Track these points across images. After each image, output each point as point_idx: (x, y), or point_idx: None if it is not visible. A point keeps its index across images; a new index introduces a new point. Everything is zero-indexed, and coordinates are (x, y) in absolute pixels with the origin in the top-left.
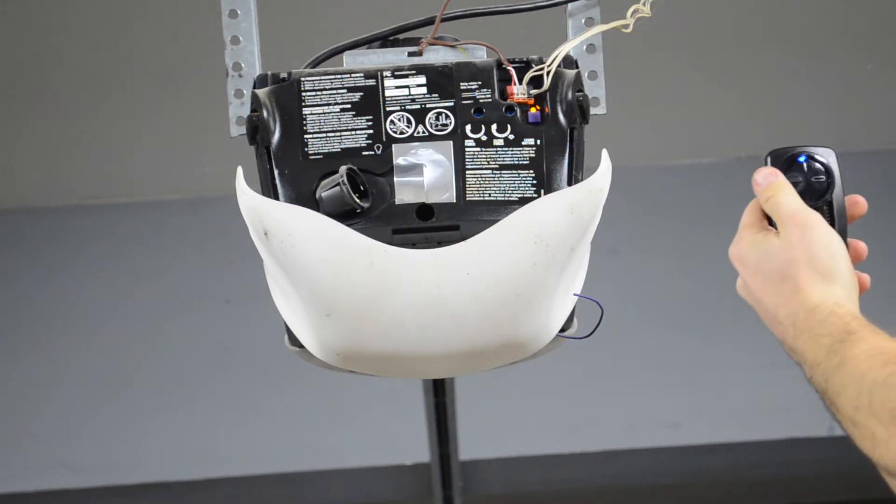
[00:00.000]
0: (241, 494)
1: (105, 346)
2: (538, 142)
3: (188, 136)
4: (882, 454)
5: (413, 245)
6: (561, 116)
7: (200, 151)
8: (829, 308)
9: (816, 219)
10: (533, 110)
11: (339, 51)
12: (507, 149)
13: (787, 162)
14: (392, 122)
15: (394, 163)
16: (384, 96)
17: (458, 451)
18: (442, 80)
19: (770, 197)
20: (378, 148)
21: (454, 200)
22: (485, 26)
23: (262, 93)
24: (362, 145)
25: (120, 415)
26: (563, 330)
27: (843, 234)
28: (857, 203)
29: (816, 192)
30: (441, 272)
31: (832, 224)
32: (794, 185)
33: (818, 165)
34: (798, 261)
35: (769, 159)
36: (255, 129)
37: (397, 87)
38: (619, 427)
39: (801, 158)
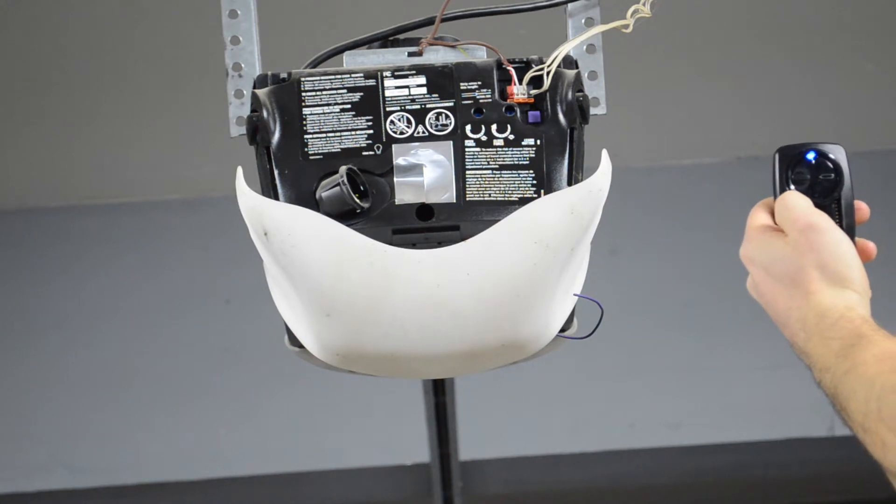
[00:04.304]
0: (241, 494)
1: (105, 346)
2: (538, 142)
3: (188, 136)
4: (893, 460)
5: (413, 245)
6: (561, 116)
7: (200, 151)
8: (840, 312)
9: (824, 220)
10: (533, 110)
11: (339, 51)
12: (507, 149)
13: (795, 158)
14: (392, 122)
15: (394, 163)
16: (384, 96)
17: (458, 451)
18: (442, 81)
19: (779, 198)
20: (378, 148)
21: (454, 200)
22: (485, 26)
23: (262, 93)
24: (362, 145)
25: (120, 415)
26: (563, 330)
27: (852, 233)
28: (860, 209)
29: (825, 189)
30: (441, 272)
31: (840, 223)
32: (802, 182)
33: (827, 163)
34: (807, 266)
35: (777, 156)
36: (255, 130)
37: (397, 88)
38: (619, 427)
39: (810, 155)
